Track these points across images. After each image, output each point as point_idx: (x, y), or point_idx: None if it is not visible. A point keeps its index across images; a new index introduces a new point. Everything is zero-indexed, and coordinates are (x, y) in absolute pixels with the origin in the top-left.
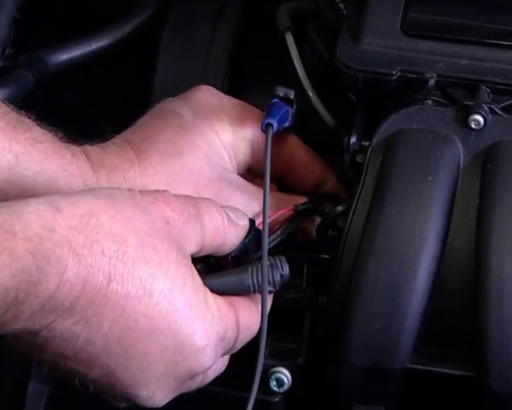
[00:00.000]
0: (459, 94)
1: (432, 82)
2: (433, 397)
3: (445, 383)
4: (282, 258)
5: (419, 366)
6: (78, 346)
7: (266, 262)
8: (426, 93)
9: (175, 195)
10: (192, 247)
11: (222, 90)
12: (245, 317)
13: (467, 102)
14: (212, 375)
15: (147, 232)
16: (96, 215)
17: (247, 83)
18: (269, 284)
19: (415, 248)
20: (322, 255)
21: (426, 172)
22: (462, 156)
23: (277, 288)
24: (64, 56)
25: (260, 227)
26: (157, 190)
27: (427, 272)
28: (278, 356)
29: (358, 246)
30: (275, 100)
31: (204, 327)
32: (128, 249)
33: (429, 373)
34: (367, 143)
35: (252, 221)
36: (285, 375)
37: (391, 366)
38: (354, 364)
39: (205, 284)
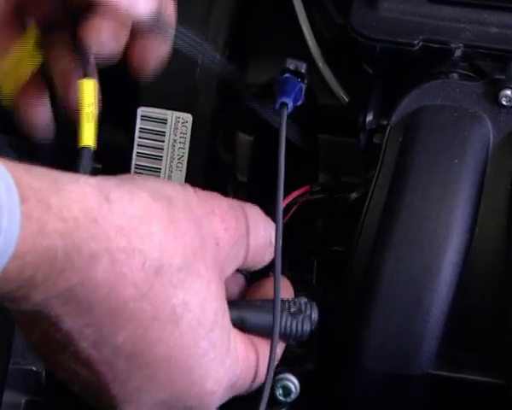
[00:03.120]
0: (488, 66)
1: (458, 53)
2: (459, 407)
3: (472, 391)
4: (313, 304)
5: (443, 373)
6: (82, 346)
7: (280, 268)
8: (451, 65)
9: (227, 202)
10: (232, 270)
11: (222, 61)
12: (261, 364)
13: (497, 76)
14: None
15: (195, 253)
16: (149, 222)
17: (250, 53)
18: (294, 336)
19: (439, 239)
20: (335, 248)
21: (451, 154)
22: (491, 136)
23: (304, 339)
24: None
25: None
26: (211, 195)
27: (453, 266)
28: (285, 362)
29: (375, 238)
30: (287, 75)
31: (219, 372)
32: (171, 270)
33: (454, 380)
34: (385, 122)
35: None
36: (292, 382)
37: (411, 372)
38: (370, 370)
39: (231, 313)
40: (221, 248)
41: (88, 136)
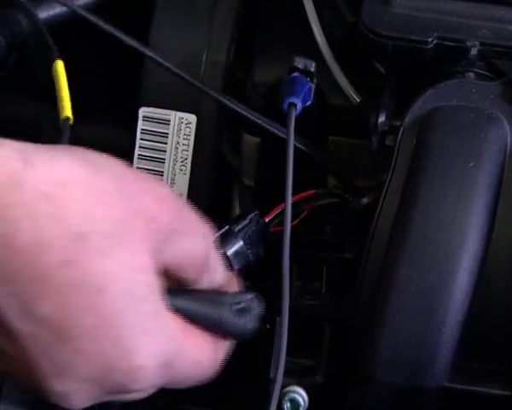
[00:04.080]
0: (506, 65)
1: (474, 51)
2: None
3: (489, 405)
4: (258, 301)
5: (458, 386)
6: (6, 318)
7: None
8: (467, 64)
9: (170, 191)
10: (170, 257)
11: (227, 59)
12: (201, 351)
13: None
14: (144, 395)
15: (124, 222)
16: (74, 188)
17: (256, 51)
18: (236, 333)
19: (454, 246)
20: (345, 255)
21: (467, 156)
22: (509, 138)
23: (247, 337)
24: (42, 15)
25: None
26: (154, 179)
27: (469, 274)
28: (293, 374)
29: (387, 244)
30: (295, 74)
31: (149, 347)
32: (96, 237)
33: (470, 393)
34: (398, 123)
35: (255, 212)
36: (301, 395)
37: (425, 384)
38: (382, 382)
39: (169, 301)
40: (156, 227)
41: (66, 108)
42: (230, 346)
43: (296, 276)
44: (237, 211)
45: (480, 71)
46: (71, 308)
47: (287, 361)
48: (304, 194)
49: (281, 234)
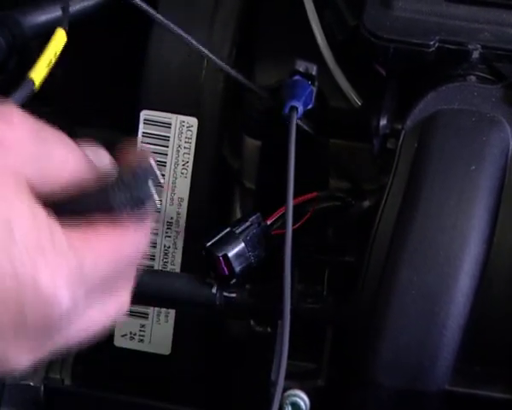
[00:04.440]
0: (507, 69)
1: (475, 54)
2: None
3: (491, 408)
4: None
5: (460, 389)
6: None
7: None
8: (469, 67)
9: (23, 114)
10: (32, 174)
11: (228, 61)
12: (112, 241)
13: None
14: (83, 329)
15: None
16: None
17: (257, 53)
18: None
19: (455, 249)
20: (346, 258)
21: (469, 160)
22: (511, 142)
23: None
24: (42, 17)
25: None
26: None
27: (470, 277)
28: (294, 377)
29: (389, 247)
30: (296, 77)
31: (49, 265)
32: None
33: (472, 397)
34: (399, 127)
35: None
36: (302, 399)
37: (427, 387)
38: (384, 386)
39: (57, 210)
40: (7, 146)
41: (38, 73)
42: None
43: (298, 279)
44: (238, 214)
45: (481, 74)
46: None
47: (288, 364)
48: (305, 197)
49: (282, 237)
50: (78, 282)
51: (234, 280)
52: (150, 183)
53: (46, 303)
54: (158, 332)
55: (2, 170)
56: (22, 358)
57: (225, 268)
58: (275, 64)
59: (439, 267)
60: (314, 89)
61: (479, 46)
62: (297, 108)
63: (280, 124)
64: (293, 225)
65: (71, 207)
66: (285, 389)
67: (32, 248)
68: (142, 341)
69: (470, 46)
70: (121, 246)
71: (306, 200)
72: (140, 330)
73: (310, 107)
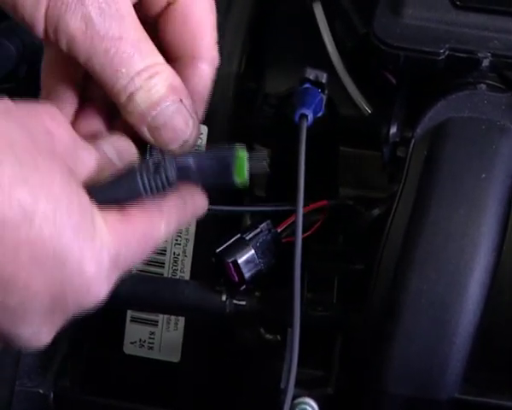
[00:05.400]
0: None
1: (486, 62)
2: None
3: None
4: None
5: (470, 397)
6: None
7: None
8: (478, 75)
9: (58, 111)
10: (71, 163)
11: (238, 70)
12: (142, 227)
13: None
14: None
15: (25, 147)
16: None
17: (267, 62)
18: (161, 185)
19: (465, 258)
20: (356, 266)
21: (479, 168)
22: None
23: (172, 185)
24: None
25: None
26: (39, 102)
27: (480, 285)
28: (304, 385)
29: (399, 255)
30: (307, 85)
31: (94, 252)
32: (4, 169)
33: (482, 405)
34: (409, 135)
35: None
36: (312, 407)
37: (437, 396)
38: (393, 394)
39: (92, 198)
40: (57, 137)
41: None
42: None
43: (307, 286)
44: (248, 221)
45: (491, 82)
46: (4, 247)
47: (298, 372)
48: (316, 204)
49: (292, 244)
50: (115, 270)
51: (244, 287)
52: (172, 169)
53: (88, 291)
54: (167, 340)
55: (51, 155)
56: (50, 335)
57: (235, 274)
58: (285, 72)
59: (450, 276)
60: (324, 97)
61: (489, 54)
62: (307, 116)
63: (290, 132)
64: (303, 233)
65: (102, 192)
66: (294, 397)
67: (80, 234)
68: (151, 348)
69: (480, 54)
70: (150, 230)
71: (316, 208)
72: (149, 338)
73: (320, 115)
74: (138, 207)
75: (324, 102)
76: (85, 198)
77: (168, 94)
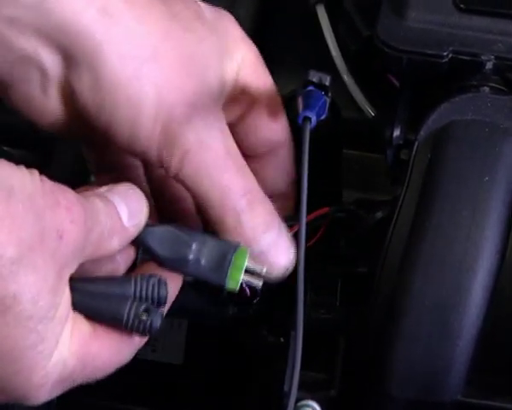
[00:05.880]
0: None
1: (489, 65)
2: None
3: None
4: (161, 279)
5: (473, 400)
6: None
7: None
8: (482, 78)
9: (76, 194)
10: (77, 264)
11: None
12: (106, 353)
13: None
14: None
15: (31, 246)
16: None
17: (270, 64)
18: (142, 329)
19: (469, 261)
20: (359, 269)
21: (482, 171)
22: None
23: (152, 334)
24: None
25: None
26: (60, 187)
27: (483, 288)
28: (307, 387)
29: (402, 258)
30: (310, 88)
31: (47, 366)
32: (2, 262)
33: (485, 408)
34: (413, 137)
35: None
36: (315, 409)
37: (440, 399)
38: (397, 397)
39: (75, 293)
40: (65, 241)
41: None
42: (139, 342)
43: (310, 290)
44: None
45: (495, 85)
46: None
47: (301, 375)
48: (318, 212)
49: (297, 247)
50: (65, 383)
51: (257, 299)
52: (159, 312)
53: (26, 393)
54: (170, 342)
55: (51, 265)
56: None
57: (247, 289)
58: (288, 75)
59: (453, 279)
60: (327, 99)
61: (492, 57)
62: (310, 119)
63: (293, 134)
64: (307, 240)
65: (89, 296)
66: (298, 400)
67: (40, 349)
68: (154, 350)
69: (483, 57)
70: (114, 357)
71: (319, 215)
72: (152, 340)
73: (323, 117)
74: (111, 331)
75: (328, 105)
76: (64, 309)
77: None
